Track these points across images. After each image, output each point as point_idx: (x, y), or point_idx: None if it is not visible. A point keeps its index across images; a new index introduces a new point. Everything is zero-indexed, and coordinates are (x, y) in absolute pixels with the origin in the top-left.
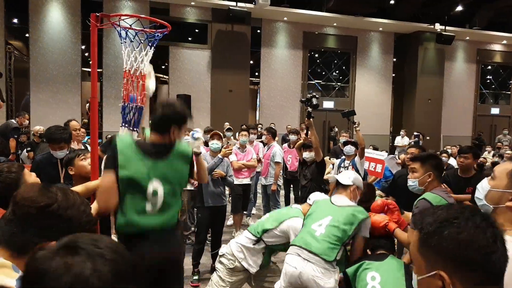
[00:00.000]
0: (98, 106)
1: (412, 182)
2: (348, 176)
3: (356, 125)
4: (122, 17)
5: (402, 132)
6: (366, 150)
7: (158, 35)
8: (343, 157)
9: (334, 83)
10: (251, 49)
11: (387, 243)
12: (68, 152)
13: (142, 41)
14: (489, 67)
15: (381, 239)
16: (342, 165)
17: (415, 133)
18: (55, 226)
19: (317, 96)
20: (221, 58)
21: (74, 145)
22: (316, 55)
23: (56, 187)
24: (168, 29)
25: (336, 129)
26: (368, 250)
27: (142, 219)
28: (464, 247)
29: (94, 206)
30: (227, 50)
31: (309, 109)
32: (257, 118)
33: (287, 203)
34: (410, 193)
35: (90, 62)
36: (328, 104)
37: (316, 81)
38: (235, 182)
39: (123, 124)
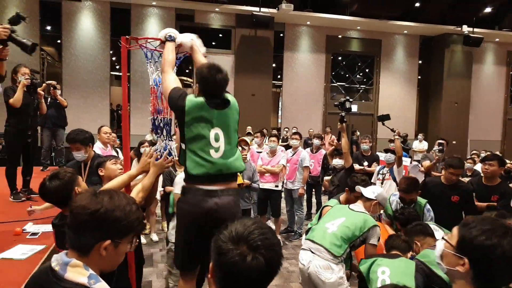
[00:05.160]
0: None
1: None
2: (372, 191)
3: (395, 133)
4: (150, 41)
5: (420, 136)
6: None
7: (180, 57)
8: (382, 165)
9: (357, 86)
10: (273, 52)
11: (401, 245)
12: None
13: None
14: None
15: (397, 240)
16: (380, 171)
17: (439, 141)
18: (105, 227)
19: (350, 100)
20: (244, 63)
21: (106, 148)
22: (340, 58)
23: (104, 192)
24: (189, 53)
25: (358, 133)
26: (384, 250)
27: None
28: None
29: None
30: (250, 55)
31: (342, 113)
32: (279, 122)
33: (309, 207)
34: (444, 203)
35: (121, 74)
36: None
37: (339, 83)
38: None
39: (157, 136)
